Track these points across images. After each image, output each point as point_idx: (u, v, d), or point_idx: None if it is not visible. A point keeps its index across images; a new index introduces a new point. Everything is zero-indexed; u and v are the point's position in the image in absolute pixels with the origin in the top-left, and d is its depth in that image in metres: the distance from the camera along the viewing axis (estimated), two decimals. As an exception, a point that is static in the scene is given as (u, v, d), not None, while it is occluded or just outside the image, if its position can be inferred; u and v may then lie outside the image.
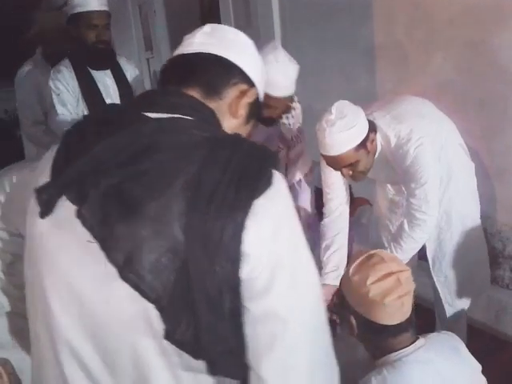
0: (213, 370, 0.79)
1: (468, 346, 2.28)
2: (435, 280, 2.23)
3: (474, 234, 2.16)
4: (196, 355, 0.77)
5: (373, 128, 1.90)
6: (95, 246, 0.76)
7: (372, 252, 1.36)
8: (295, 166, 2.42)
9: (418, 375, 1.24)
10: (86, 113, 2.60)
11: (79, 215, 0.76)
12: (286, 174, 2.42)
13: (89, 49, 2.52)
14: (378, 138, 1.94)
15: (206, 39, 0.99)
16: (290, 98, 2.11)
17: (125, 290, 0.75)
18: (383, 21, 2.91)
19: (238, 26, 3.78)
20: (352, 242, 2.82)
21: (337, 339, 1.29)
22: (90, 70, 2.62)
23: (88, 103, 2.62)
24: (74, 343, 0.82)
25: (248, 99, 0.99)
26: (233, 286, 0.76)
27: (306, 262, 0.84)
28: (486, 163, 2.41)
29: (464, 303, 2.25)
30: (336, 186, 2.12)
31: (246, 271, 0.76)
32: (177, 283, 0.74)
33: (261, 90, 1.04)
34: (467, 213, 2.16)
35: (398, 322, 1.28)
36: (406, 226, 1.95)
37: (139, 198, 0.75)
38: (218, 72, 0.97)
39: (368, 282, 1.27)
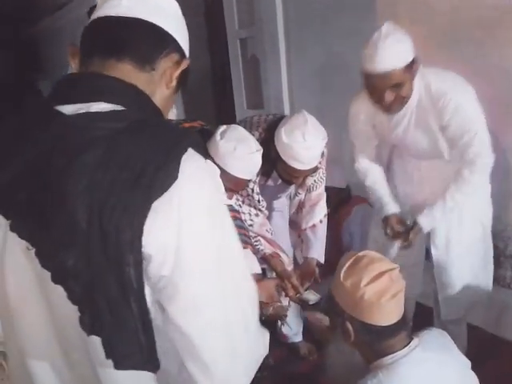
0: (116, 367, 0.79)
1: (469, 346, 2.30)
2: (436, 280, 2.20)
3: (483, 239, 2.15)
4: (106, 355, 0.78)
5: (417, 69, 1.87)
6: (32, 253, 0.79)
7: (360, 254, 1.35)
8: (312, 210, 2.37)
9: (413, 376, 1.24)
10: None
11: (12, 230, 0.79)
12: (299, 219, 2.38)
13: None
14: (416, 84, 1.89)
15: (135, 3, 0.88)
16: (310, 170, 2.12)
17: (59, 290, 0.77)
18: (387, 17, 2.90)
19: (241, 22, 3.83)
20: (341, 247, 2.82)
21: (331, 345, 1.30)
22: None
23: None
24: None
25: (180, 69, 0.93)
26: (138, 289, 0.76)
27: (230, 258, 0.82)
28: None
29: (464, 306, 2.23)
30: (364, 136, 2.17)
31: (151, 272, 0.76)
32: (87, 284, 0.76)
33: (187, 50, 0.97)
34: (480, 216, 2.13)
35: (395, 320, 1.28)
36: (465, 174, 1.94)
37: (49, 209, 0.76)
38: (151, 41, 0.89)
39: (362, 285, 1.25)
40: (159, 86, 0.91)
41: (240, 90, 4.18)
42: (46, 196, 0.76)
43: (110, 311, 0.76)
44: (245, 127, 2.02)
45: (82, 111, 0.80)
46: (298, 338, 2.66)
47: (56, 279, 0.77)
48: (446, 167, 2.06)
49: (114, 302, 0.75)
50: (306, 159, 2.00)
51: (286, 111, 3.75)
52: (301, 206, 2.37)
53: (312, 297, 2.13)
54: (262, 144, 1.94)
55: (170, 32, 0.91)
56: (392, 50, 1.77)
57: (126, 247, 0.73)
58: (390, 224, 2.11)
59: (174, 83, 0.92)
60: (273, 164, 2.10)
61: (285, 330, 2.54)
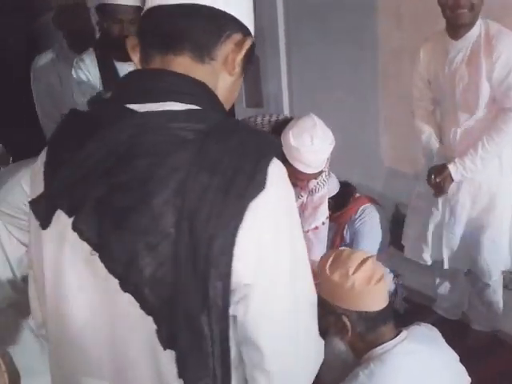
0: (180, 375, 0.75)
1: (467, 345, 2.31)
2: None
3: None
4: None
5: None
6: (96, 258, 0.74)
7: (339, 249, 1.40)
8: (315, 213, 2.36)
9: (404, 366, 1.27)
10: None
11: (75, 228, 0.74)
12: (302, 221, 2.32)
13: (113, 41, 2.43)
14: (478, 22, 2.09)
15: None
16: (317, 174, 2.13)
17: (125, 299, 0.74)
18: (388, 16, 2.90)
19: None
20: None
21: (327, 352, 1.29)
22: (114, 62, 2.55)
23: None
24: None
25: (243, 50, 0.85)
26: (222, 308, 0.72)
27: (302, 269, 0.81)
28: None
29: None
30: (422, 83, 2.36)
31: (234, 282, 0.72)
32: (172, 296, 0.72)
33: (253, 30, 0.89)
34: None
35: (384, 305, 1.33)
36: (498, 121, 2.09)
37: (128, 211, 0.71)
38: (207, 27, 0.81)
39: (350, 273, 1.30)
40: (221, 74, 0.85)
41: (239, 89, 4.17)
42: (123, 196, 0.71)
43: (189, 328, 0.71)
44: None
45: (155, 110, 0.76)
46: None
47: (126, 287, 0.72)
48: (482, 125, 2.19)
49: (194, 319, 0.71)
50: (313, 163, 2.02)
51: (286, 110, 3.75)
52: (303, 208, 2.36)
53: None
54: None
55: (228, 10, 0.82)
56: None
57: (217, 257, 0.69)
58: (435, 174, 2.31)
59: (237, 68, 0.86)
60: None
61: None
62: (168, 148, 0.72)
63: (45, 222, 0.79)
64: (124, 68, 2.56)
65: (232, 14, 0.83)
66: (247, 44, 0.85)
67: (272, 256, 0.74)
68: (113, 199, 0.72)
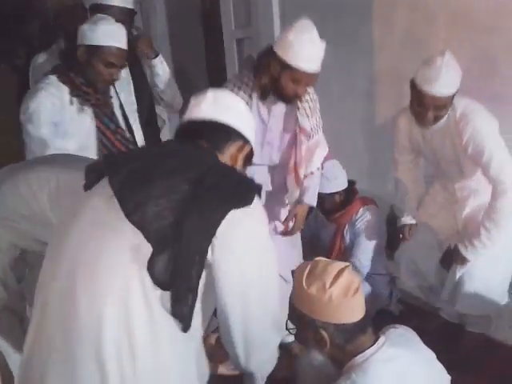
0: (173, 306, 1.07)
1: (464, 347, 2.31)
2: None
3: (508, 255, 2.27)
4: (165, 288, 1.06)
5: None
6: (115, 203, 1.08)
7: (314, 261, 1.38)
8: (312, 157, 2.42)
9: (385, 372, 1.28)
10: None
11: (110, 183, 1.10)
12: (305, 164, 2.39)
13: None
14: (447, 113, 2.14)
15: (210, 107, 1.28)
16: (315, 77, 2.16)
17: (125, 232, 1.07)
18: (383, 21, 2.92)
19: (238, 23, 3.81)
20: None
21: (300, 360, 1.37)
22: None
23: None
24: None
25: (244, 152, 1.31)
26: (199, 266, 1.08)
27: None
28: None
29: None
30: (402, 147, 2.43)
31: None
32: (169, 231, 1.05)
33: (253, 141, 1.35)
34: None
35: (362, 315, 1.33)
36: (491, 201, 2.10)
37: (154, 176, 1.09)
38: (220, 135, 1.27)
39: (327, 286, 1.28)
40: (228, 164, 1.27)
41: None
42: (154, 170, 1.12)
43: (188, 256, 1.07)
44: (233, 85, 2.19)
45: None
46: (291, 338, 2.62)
47: (132, 218, 1.06)
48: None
49: (188, 271, 1.08)
50: (313, 57, 2.07)
51: None
52: (304, 151, 2.39)
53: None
54: (256, 77, 2.15)
55: (235, 125, 1.28)
56: (451, 80, 2.04)
57: (205, 239, 1.08)
58: (404, 231, 2.48)
59: (239, 162, 1.30)
60: (274, 85, 2.15)
61: None
62: (197, 160, 1.18)
63: (89, 185, 1.18)
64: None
65: (237, 128, 1.29)
66: (246, 149, 1.32)
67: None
68: (145, 169, 1.12)
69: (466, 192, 2.33)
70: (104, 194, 1.12)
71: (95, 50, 2.13)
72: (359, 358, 1.31)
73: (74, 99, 2.16)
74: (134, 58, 2.68)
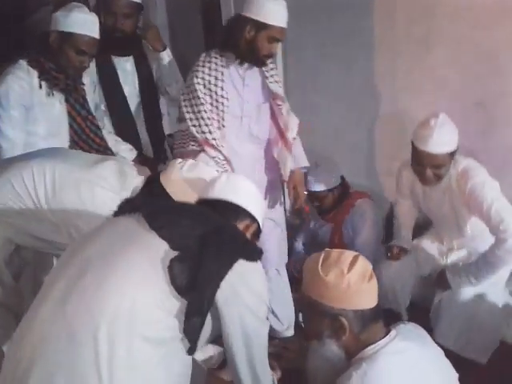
0: (187, 319, 1.21)
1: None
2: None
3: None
4: (182, 293, 1.20)
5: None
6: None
7: (325, 251, 1.40)
8: (291, 122, 2.47)
9: (395, 364, 1.28)
10: (101, 99, 2.57)
11: (141, 211, 1.32)
12: (286, 129, 2.45)
13: (109, 35, 2.44)
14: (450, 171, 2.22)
15: (223, 187, 1.50)
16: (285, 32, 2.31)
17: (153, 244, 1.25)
18: (384, 19, 2.90)
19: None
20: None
21: (310, 351, 1.41)
22: (112, 57, 2.56)
23: (105, 89, 2.58)
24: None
25: (251, 230, 1.50)
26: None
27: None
28: (483, 162, 2.41)
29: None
30: (404, 194, 2.53)
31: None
32: (193, 245, 1.23)
33: (261, 221, 1.54)
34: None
35: (375, 303, 1.35)
36: (492, 246, 2.14)
37: (180, 215, 1.32)
38: (229, 213, 1.45)
39: (345, 273, 1.30)
40: None
41: None
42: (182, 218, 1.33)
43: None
44: (202, 63, 2.31)
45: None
46: (290, 333, 2.60)
47: (161, 233, 1.24)
48: None
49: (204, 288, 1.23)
50: (282, 12, 2.26)
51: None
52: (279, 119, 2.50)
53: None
54: (228, 48, 2.29)
55: (244, 206, 1.48)
56: (444, 138, 2.12)
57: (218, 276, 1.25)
58: (393, 250, 2.53)
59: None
60: (250, 49, 2.27)
61: (275, 324, 2.52)
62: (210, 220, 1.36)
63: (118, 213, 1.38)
64: (121, 62, 2.58)
65: (247, 208, 1.49)
66: (253, 227, 1.51)
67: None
68: (172, 216, 1.33)
69: (461, 244, 2.43)
70: (132, 218, 1.32)
71: (68, 37, 2.14)
72: (370, 349, 1.32)
73: (43, 83, 2.17)
74: (140, 51, 2.67)
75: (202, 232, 1.25)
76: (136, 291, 1.17)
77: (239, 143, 2.41)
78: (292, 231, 3.05)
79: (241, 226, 1.45)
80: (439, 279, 2.35)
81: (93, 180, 1.72)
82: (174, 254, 1.21)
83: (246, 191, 1.52)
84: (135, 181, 1.77)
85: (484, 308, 2.26)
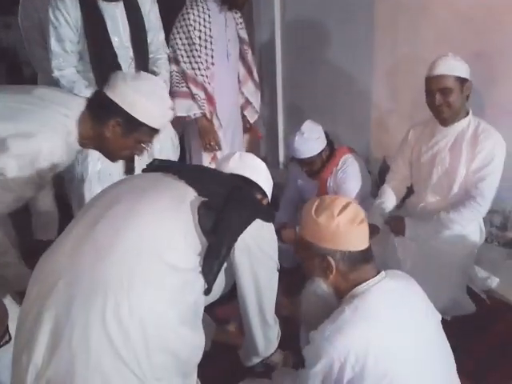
0: (206, 258, 1.35)
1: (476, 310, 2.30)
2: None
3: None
4: (207, 234, 1.34)
5: (468, 93, 2.24)
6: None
7: (322, 196, 1.49)
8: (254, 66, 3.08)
9: (385, 300, 1.36)
10: (85, 51, 2.27)
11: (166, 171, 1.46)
12: (253, 70, 3.06)
13: None
14: (470, 117, 2.26)
15: (237, 164, 1.66)
16: None
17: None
18: (384, 26, 2.87)
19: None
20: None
21: (303, 290, 1.52)
22: (99, 1, 2.26)
23: (89, 39, 2.24)
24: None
25: (264, 202, 1.70)
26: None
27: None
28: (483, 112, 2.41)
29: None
30: (401, 159, 2.53)
31: None
32: (220, 198, 1.38)
33: (269, 196, 1.74)
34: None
35: (366, 246, 1.42)
36: (460, 204, 2.24)
37: (204, 175, 1.51)
38: (245, 187, 1.57)
39: (335, 215, 1.38)
40: None
41: None
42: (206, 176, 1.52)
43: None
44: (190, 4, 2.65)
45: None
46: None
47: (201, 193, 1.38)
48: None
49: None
50: None
51: (280, 113, 3.84)
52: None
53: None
54: None
55: (257, 180, 1.66)
56: (451, 63, 2.18)
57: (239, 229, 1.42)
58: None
59: None
60: None
61: None
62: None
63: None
64: (109, 8, 2.27)
65: (258, 183, 1.67)
66: (265, 201, 1.71)
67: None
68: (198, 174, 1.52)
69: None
70: (158, 174, 1.46)
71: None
72: (361, 287, 1.38)
73: None
74: None
75: (226, 189, 1.40)
76: (163, 217, 1.29)
77: (227, 82, 2.82)
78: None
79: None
80: (396, 224, 2.39)
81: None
82: (202, 199, 1.35)
83: (258, 168, 1.70)
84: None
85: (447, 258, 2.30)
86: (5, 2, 2.93)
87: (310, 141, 2.62)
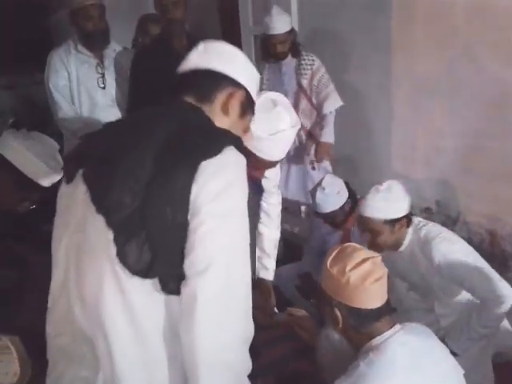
0: (164, 289, 1.03)
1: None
2: None
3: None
4: (146, 277, 1.02)
5: (409, 221, 2.06)
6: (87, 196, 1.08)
7: (345, 245, 1.44)
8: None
9: (401, 355, 1.32)
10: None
11: (83, 176, 1.10)
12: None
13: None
14: (409, 232, 2.07)
15: (200, 56, 1.24)
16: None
17: (100, 224, 1.04)
18: (402, 15, 2.90)
19: (256, 19, 3.80)
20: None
21: (321, 333, 1.41)
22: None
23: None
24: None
25: (237, 99, 1.21)
26: (182, 226, 1.01)
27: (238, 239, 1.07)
28: (496, 164, 2.41)
29: None
30: None
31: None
32: (134, 219, 1.02)
33: (251, 88, 1.26)
34: None
35: (380, 304, 1.36)
36: (479, 309, 1.94)
37: (119, 160, 1.06)
38: (205, 83, 1.20)
39: (347, 270, 1.34)
40: (219, 115, 1.19)
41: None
42: (118, 152, 1.08)
43: (163, 240, 1.03)
44: None
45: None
46: None
47: (101, 209, 1.04)
48: None
49: (165, 234, 1.02)
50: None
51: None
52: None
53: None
54: None
55: (224, 71, 1.21)
56: (380, 204, 1.99)
57: (180, 191, 1.00)
58: None
59: (232, 111, 1.20)
60: None
61: None
62: (160, 124, 1.11)
63: (69, 179, 1.15)
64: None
65: (227, 73, 1.21)
66: (239, 96, 1.22)
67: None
68: (110, 157, 1.08)
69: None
70: (80, 187, 1.10)
71: None
72: (377, 339, 1.36)
73: None
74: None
75: (144, 183, 1.02)
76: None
77: None
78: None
79: (222, 96, 1.19)
80: None
81: None
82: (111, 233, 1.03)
83: (225, 55, 1.25)
84: None
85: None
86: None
87: (331, 196, 2.63)
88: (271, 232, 2.14)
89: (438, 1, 2.69)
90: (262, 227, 2.11)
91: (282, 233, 2.25)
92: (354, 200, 2.76)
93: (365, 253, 1.39)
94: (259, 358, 1.60)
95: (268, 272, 2.12)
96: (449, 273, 1.94)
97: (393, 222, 2.00)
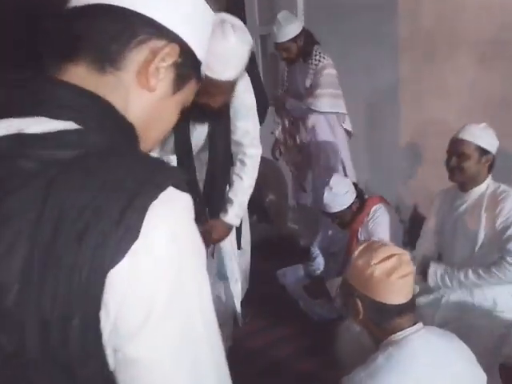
0: None
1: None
2: None
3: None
4: None
5: (492, 166, 2.19)
6: None
7: (373, 240, 1.48)
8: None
9: (421, 351, 1.31)
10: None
11: None
12: None
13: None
14: (489, 178, 2.20)
15: None
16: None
17: None
18: (409, 18, 2.89)
19: (262, 19, 3.81)
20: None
21: (341, 325, 1.33)
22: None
23: None
24: None
25: (166, 60, 0.66)
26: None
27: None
28: (509, 165, 2.38)
29: None
30: (428, 234, 2.44)
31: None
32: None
33: (197, 40, 0.71)
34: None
35: (403, 301, 1.36)
36: (492, 266, 2.10)
37: None
38: (111, 30, 0.64)
39: (372, 263, 1.35)
40: (134, 89, 0.67)
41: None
42: None
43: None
44: None
45: (11, 131, 0.58)
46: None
47: None
48: None
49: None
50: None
51: None
52: None
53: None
54: None
55: (143, 11, 0.64)
56: (475, 131, 2.15)
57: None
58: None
59: (155, 81, 0.67)
60: None
61: None
62: (6, 186, 0.54)
63: None
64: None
65: (148, 15, 0.65)
66: (170, 51, 0.66)
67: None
68: None
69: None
70: None
71: None
72: (398, 335, 1.36)
73: None
74: None
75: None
76: None
77: None
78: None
79: (141, 54, 0.65)
80: (421, 267, 2.30)
81: None
82: None
83: None
84: None
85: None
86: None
87: (339, 196, 2.63)
88: (242, 181, 2.15)
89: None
90: (233, 175, 2.15)
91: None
92: (362, 199, 2.75)
93: (392, 249, 1.41)
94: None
95: (226, 215, 2.12)
96: (502, 225, 2.07)
97: (482, 153, 2.14)
